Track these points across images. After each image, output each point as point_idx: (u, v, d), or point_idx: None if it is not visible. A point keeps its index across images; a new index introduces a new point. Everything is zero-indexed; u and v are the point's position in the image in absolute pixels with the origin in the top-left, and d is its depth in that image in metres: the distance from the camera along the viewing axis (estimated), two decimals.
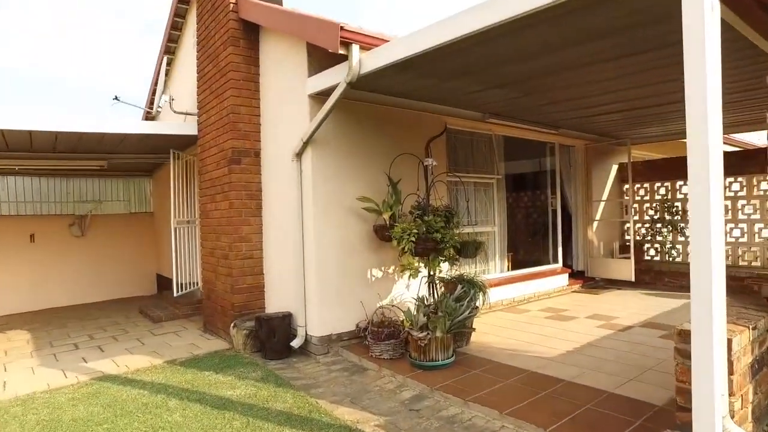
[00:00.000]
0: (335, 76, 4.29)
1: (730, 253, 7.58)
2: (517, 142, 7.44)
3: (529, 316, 6.26)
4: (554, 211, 8.15)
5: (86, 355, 5.32)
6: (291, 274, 5.08)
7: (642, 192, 8.79)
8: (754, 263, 7.33)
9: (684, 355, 2.18)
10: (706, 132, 1.91)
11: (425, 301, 4.55)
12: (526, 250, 9.44)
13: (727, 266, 7.22)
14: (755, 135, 10.62)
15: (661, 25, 3.24)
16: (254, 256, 5.68)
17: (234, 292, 5.54)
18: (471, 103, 5.72)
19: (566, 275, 7.89)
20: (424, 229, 4.50)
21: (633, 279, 7.79)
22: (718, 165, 1.93)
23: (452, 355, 4.27)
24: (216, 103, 5.93)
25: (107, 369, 4.74)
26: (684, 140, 9.25)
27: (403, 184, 5.14)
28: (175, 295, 7.40)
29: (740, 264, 7.48)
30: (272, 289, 5.63)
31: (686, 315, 6.19)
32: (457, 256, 5.06)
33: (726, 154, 8.58)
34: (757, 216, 7.35)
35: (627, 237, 8.89)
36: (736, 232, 7.54)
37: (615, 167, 8.95)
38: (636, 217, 8.79)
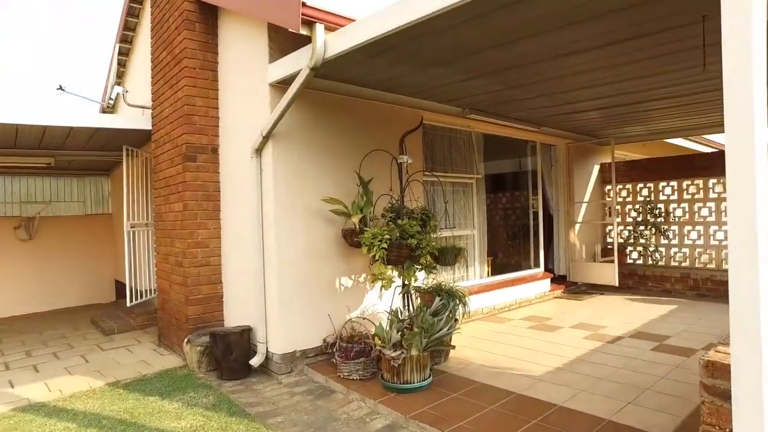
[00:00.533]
0: (298, 62, 3.79)
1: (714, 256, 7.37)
2: (497, 141, 7.05)
3: (511, 325, 5.86)
4: (535, 213, 7.82)
5: (16, 378, 4.68)
6: (251, 283, 4.56)
7: (624, 193, 8.53)
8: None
9: (717, 393, 1.77)
10: (752, 122, 1.49)
11: (399, 315, 4.09)
12: (507, 254, 9.08)
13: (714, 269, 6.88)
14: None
15: (656, 5, 2.86)
16: (211, 263, 5.13)
17: (189, 303, 4.97)
18: (450, 96, 5.29)
19: (548, 281, 7.55)
20: (398, 234, 4.04)
21: (617, 284, 7.50)
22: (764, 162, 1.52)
23: (429, 376, 3.82)
24: (170, 94, 5.35)
25: (36, 395, 4.13)
26: (667, 140, 9.11)
27: (375, 184, 4.67)
28: (128, 304, 6.77)
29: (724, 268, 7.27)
30: (232, 300, 5.08)
31: (675, 324, 6.02)
32: (435, 264, 4.62)
33: (700, 156, 8.48)
34: None
35: (609, 240, 8.62)
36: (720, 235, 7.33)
37: (597, 167, 8.68)
38: (618, 219, 8.53)
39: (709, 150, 10.09)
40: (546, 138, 7.73)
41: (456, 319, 4.29)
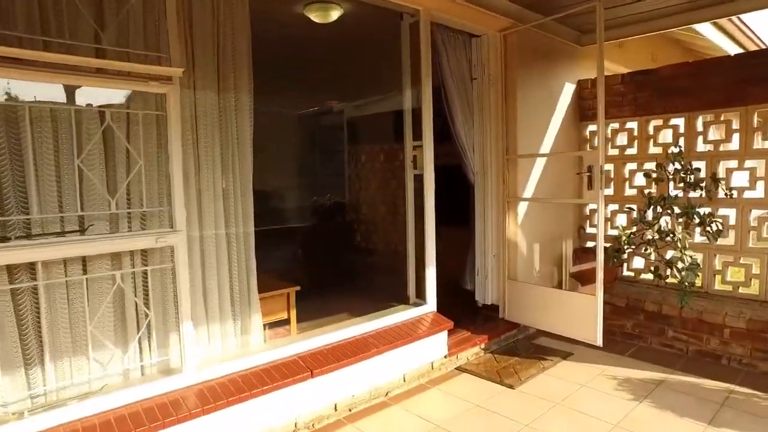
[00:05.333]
0: None
1: None
2: None
3: None
4: (419, 180, 3.45)
5: None
6: None
7: (623, 139, 4.25)
8: None
9: None
10: None
11: None
12: (336, 276, 5.04)
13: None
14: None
15: None
16: None
17: None
18: None
19: (441, 335, 3.34)
20: None
21: (598, 341, 3.31)
22: None
23: None
24: None
25: None
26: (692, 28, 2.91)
27: None
28: None
29: None
30: None
31: None
32: None
33: None
34: None
35: (591, 232, 4.41)
36: None
37: (568, 88, 4.34)
38: (610, 192, 4.28)
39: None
40: (451, 6, 3.37)
41: None
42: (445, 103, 3.77)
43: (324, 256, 5.49)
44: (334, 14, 3.68)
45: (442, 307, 3.47)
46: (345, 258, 5.72)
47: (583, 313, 3.39)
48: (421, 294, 3.43)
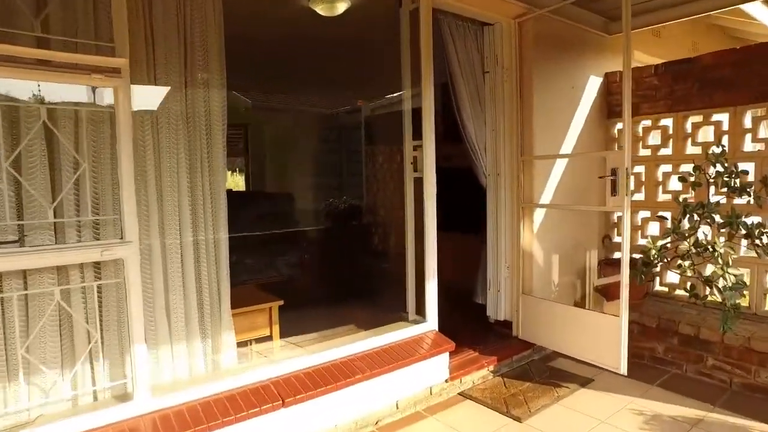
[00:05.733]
0: None
1: None
2: None
3: None
4: (420, 183, 3.11)
5: None
6: None
7: (656, 138, 3.79)
8: None
9: None
10: None
11: None
12: (341, 285, 4.75)
13: None
14: None
15: None
16: None
17: None
18: None
19: (442, 358, 2.99)
20: None
21: (622, 368, 2.89)
22: None
23: None
24: None
25: None
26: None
27: None
28: None
29: None
30: None
31: None
32: None
33: None
34: None
35: (617, 240, 3.97)
36: None
37: (595, 81, 3.91)
38: (640, 198, 3.83)
39: None
40: None
41: None
42: (454, 99, 3.43)
43: (335, 262, 5.22)
44: (341, 6, 3.39)
45: (449, 323, 3.13)
46: (359, 263, 5.43)
47: (605, 336, 2.98)
48: (421, 310, 3.09)
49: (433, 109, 3.00)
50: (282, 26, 3.91)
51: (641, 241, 3.83)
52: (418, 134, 3.01)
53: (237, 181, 9.33)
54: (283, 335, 3.15)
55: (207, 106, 2.35)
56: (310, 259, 5.23)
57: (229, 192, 2.55)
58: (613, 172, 2.96)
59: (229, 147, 3.49)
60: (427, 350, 2.89)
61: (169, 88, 2.20)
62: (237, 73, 2.64)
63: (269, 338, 2.90)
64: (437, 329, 3.06)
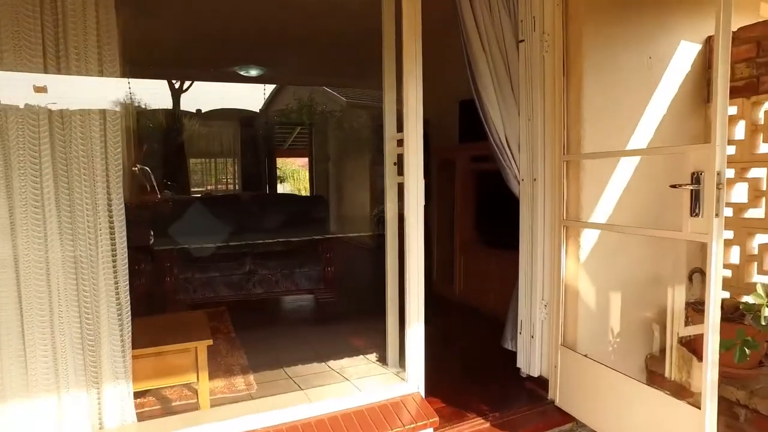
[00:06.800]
0: None
1: None
2: None
3: None
4: (400, 192, 2.27)
5: None
6: None
7: None
8: None
9: None
10: None
11: None
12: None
13: None
14: None
15: None
16: None
17: None
18: None
19: None
20: None
21: None
22: None
23: None
24: None
25: None
26: None
27: None
28: None
29: None
30: None
31: None
32: None
33: None
34: None
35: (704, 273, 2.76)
36: None
37: (689, 50, 2.76)
38: (759, 213, 2.62)
39: None
40: None
41: None
42: (471, 79, 2.58)
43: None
44: None
45: (467, 374, 2.33)
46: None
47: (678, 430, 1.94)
48: (402, 361, 2.29)
49: (421, 88, 2.18)
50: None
51: (757, 278, 2.63)
52: (399, 124, 2.22)
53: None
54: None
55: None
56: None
57: None
58: (696, 178, 1.91)
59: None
60: (403, 424, 2.08)
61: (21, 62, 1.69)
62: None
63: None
64: (423, 393, 2.23)
